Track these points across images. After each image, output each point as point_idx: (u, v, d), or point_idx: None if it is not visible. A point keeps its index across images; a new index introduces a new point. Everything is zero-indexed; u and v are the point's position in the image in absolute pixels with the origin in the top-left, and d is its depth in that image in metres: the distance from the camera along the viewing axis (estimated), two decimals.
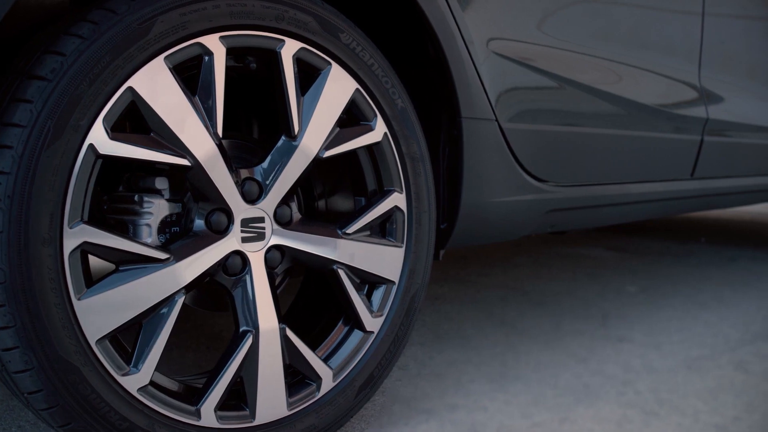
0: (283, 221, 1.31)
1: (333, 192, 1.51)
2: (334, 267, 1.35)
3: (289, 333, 1.29)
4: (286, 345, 1.29)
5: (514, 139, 1.61)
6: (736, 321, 2.31)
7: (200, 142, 1.17)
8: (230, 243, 1.24)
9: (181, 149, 1.16)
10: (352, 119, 1.38)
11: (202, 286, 1.31)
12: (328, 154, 1.32)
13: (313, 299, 1.49)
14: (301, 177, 1.30)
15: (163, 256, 1.16)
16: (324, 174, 1.51)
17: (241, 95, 1.45)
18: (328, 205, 1.51)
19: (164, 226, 1.24)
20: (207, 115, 1.18)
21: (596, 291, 2.68)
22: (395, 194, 1.42)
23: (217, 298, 1.34)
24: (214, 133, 1.19)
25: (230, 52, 1.22)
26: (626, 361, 1.92)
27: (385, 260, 1.42)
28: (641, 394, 1.70)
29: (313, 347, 1.38)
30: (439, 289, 2.69)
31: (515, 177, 1.63)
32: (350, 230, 1.37)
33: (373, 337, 1.41)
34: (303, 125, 1.29)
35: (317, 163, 1.31)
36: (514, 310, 2.41)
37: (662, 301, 2.54)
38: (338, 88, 1.33)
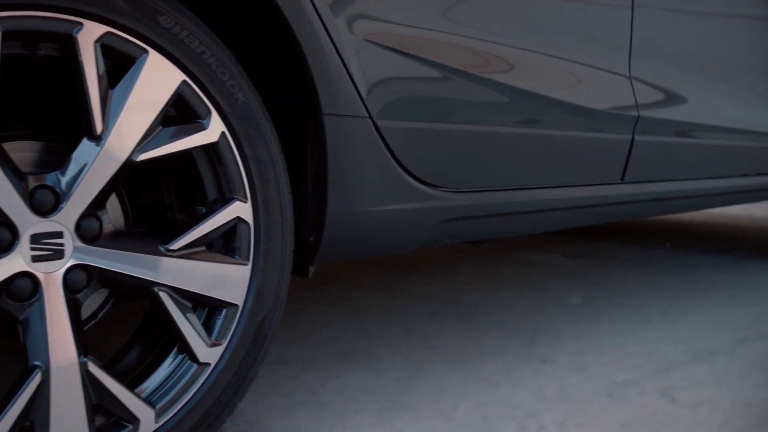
0: (89, 236, 1.11)
1: (184, 201, 1.31)
2: (156, 290, 1.16)
3: (93, 368, 1.10)
4: (91, 382, 1.10)
5: (395, 139, 1.41)
6: (678, 338, 2.10)
7: None
8: (15, 263, 1.05)
9: None
10: (183, 117, 1.18)
11: None
12: (144, 157, 1.13)
13: (151, 326, 1.29)
14: (111, 184, 1.11)
15: None
16: (175, 181, 1.31)
17: (46, 88, 1.26)
18: (178, 217, 1.32)
19: None
20: None
21: (536, 303, 2.48)
22: (237, 204, 1.22)
23: (9, 326, 1.14)
24: None
25: (12, 37, 1.02)
26: (541, 387, 1.72)
27: (225, 280, 1.22)
28: (545, 428, 1.50)
29: (140, 382, 1.19)
30: (367, 300, 2.49)
31: (398, 182, 1.43)
32: (176, 246, 1.17)
33: (209, 369, 1.22)
34: (109, 124, 1.09)
35: (134, 167, 1.12)
36: (439, 325, 2.21)
37: (604, 314, 2.34)
38: (157, 80, 1.13)
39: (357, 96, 1.34)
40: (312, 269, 1.42)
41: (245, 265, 1.24)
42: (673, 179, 2.02)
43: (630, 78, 1.85)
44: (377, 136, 1.39)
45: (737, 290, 2.68)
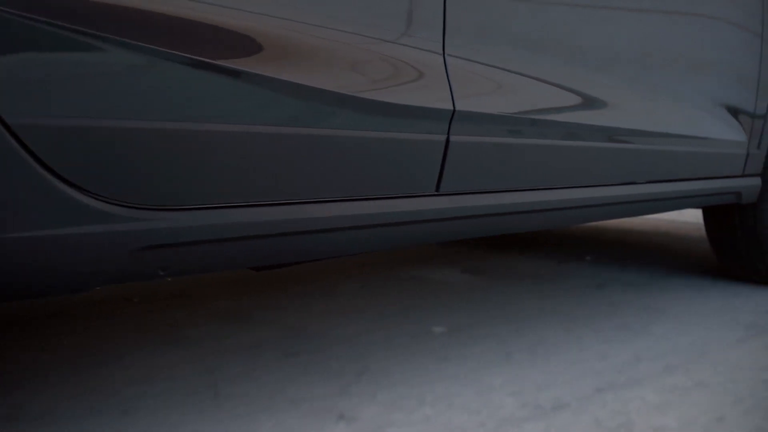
0: None
1: None
2: None
3: None
4: None
5: (45, 142, 1.03)
6: (529, 384, 1.72)
7: None
8: None
9: None
10: None
11: None
12: None
13: None
14: None
15: None
16: None
17: None
18: None
19: None
20: None
21: (390, 332, 2.10)
22: None
23: None
24: None
25: None
26: None
27: None
28: None
29: None
30: (191, 332, 2.12)
31: (55, 199, 1.06)
32: None
33: None
34: None
35: None
36: (251, 363, 1.83)
37: (459, 350, 1.96)
38: None
39: None
40: None
41: None
42: (513, 189, 1.64)
43: (444, 56, 1.46)
44: (11, 138, 1.01)
45: (634, 317, 2.29)
